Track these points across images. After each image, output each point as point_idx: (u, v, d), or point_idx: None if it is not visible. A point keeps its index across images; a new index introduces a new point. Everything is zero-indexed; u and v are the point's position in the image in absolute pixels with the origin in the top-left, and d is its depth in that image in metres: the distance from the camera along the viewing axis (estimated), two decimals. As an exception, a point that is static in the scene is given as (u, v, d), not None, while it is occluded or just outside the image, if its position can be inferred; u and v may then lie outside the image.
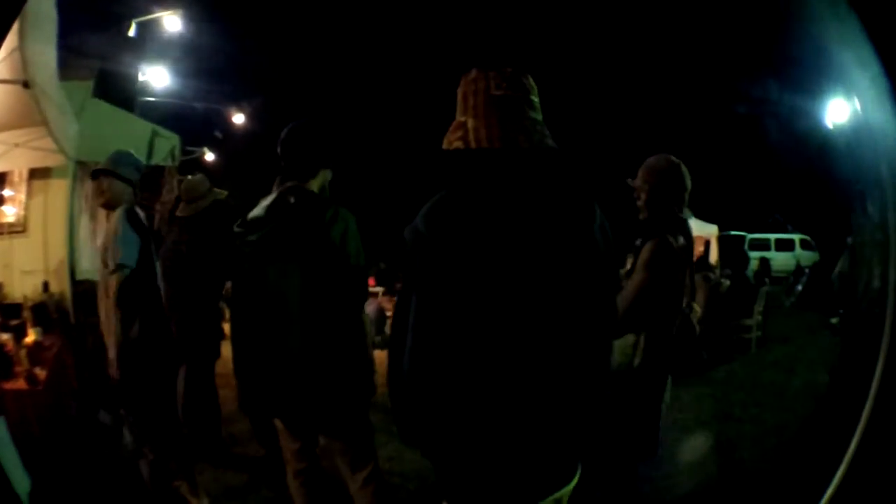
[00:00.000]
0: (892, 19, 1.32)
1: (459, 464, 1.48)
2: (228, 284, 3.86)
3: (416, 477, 3.10)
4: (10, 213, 5.76)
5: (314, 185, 2.30)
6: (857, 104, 1.86)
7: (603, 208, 1.53)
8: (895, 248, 1.51)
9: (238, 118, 14.00)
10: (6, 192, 6.51)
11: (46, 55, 3.98)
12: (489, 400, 1.42)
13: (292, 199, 2.21)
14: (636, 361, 2.45)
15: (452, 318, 1.42)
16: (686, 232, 2.60)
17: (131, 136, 7.31)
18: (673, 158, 2.62)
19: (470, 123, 1.48)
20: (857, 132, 1.73)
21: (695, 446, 4.04)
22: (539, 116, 1.53)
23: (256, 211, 2.27)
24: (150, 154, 7.37)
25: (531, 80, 1.54)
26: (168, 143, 7.76)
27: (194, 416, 3.84)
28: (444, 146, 1.50)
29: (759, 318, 7.60)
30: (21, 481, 2.27)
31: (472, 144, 1.45)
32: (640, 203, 2.63)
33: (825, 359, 6.21)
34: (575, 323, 1.45)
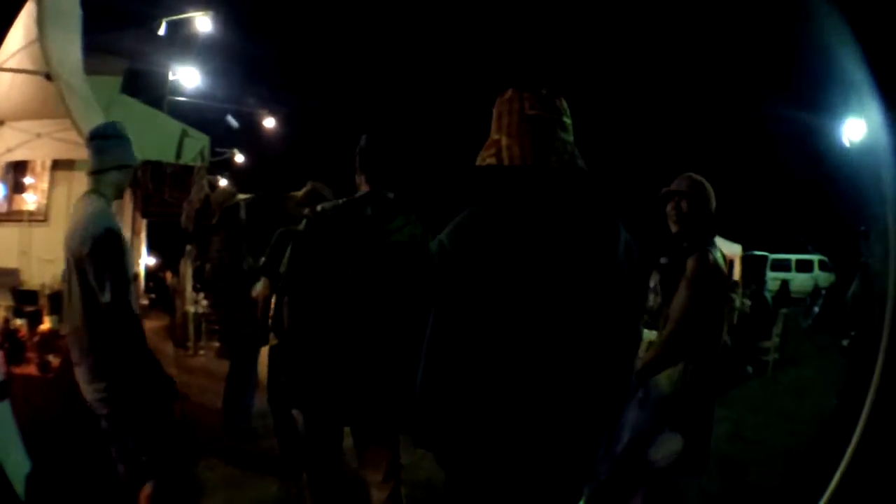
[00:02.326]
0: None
1: (465, 473, 1.48)
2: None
3: (427, 486, 3.12)
4: (31, 201, 5.84)
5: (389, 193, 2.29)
6: (867, 123, 1.83)
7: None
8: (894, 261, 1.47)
9: (268, 121, 14.19)
10: (27, 181, 6.62)
11: (70, 49, 4.02)
12: (497, 414, 1.42)
13: (381, 205, 2.21)
14: (680, 388, 2.30)
15: (468, 333, 1.42)
16: (717, 252, 2.42)
17: (161, 133, 7.43)
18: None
19: (504, 141, 1.49)
20: (870, 150, 1.70)
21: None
22: (570, 137, 1.54)
23: (335, 208, 2.24)
24: (179, 153, 7.49)
25: (564, 102, 1.55)
26: (198, 144, 7.86)
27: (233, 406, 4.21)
28: (478, 162, 1.52)
29: (777, 340, 7.50)
30: (21, 464, 2.29)
31: (505, 162, 1.47)
32: (680, 212, 2.45)
33: (835, 382, 6.11)
34: (591, 341, 1.44)
